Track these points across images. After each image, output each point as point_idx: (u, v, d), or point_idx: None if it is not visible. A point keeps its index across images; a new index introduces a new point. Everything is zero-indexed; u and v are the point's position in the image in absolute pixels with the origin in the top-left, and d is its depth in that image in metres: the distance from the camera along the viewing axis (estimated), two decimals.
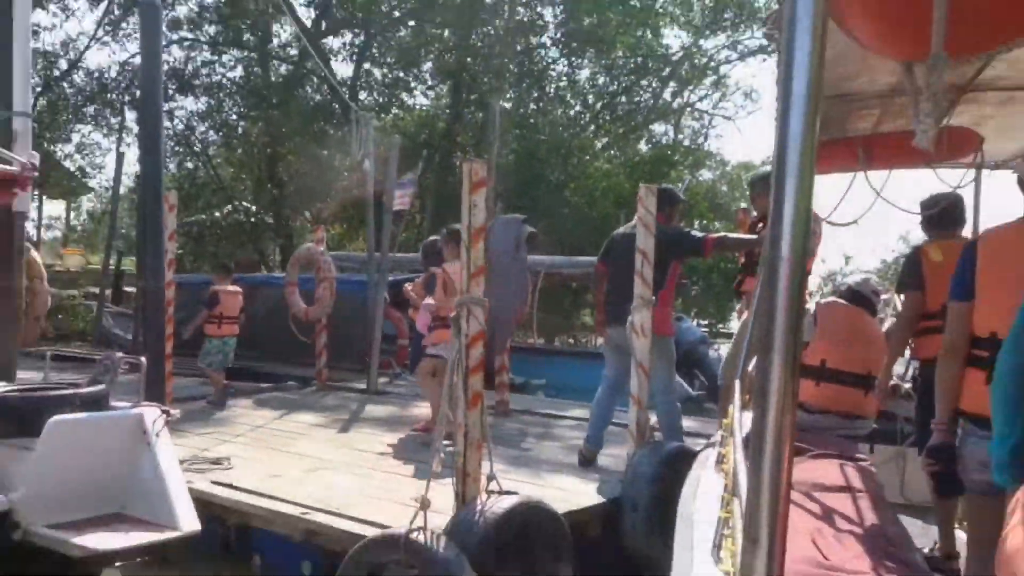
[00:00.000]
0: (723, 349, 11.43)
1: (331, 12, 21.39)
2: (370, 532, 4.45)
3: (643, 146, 23.59)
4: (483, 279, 4.58)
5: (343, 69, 22.30)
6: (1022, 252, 2.46)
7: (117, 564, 5.17)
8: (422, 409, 7.49)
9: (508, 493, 4.52)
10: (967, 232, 4.61)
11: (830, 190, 4.58)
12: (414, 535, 4.03)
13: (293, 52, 21.78)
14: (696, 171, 24.36)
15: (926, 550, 3.71)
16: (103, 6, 20.46)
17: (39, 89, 18.51)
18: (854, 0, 1.83)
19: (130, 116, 20.22)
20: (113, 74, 20.98)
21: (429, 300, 7.19)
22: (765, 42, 17.93)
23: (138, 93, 15.89)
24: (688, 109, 24.86)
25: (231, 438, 7.24)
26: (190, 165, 22.82)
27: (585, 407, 7.30)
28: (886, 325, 6.13)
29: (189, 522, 4.82)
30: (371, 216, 11.65)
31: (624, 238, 6.21)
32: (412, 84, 22.20)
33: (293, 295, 10.55)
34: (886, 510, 3.09)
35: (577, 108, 22.98)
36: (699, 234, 6.44)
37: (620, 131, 22.93)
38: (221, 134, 22.20)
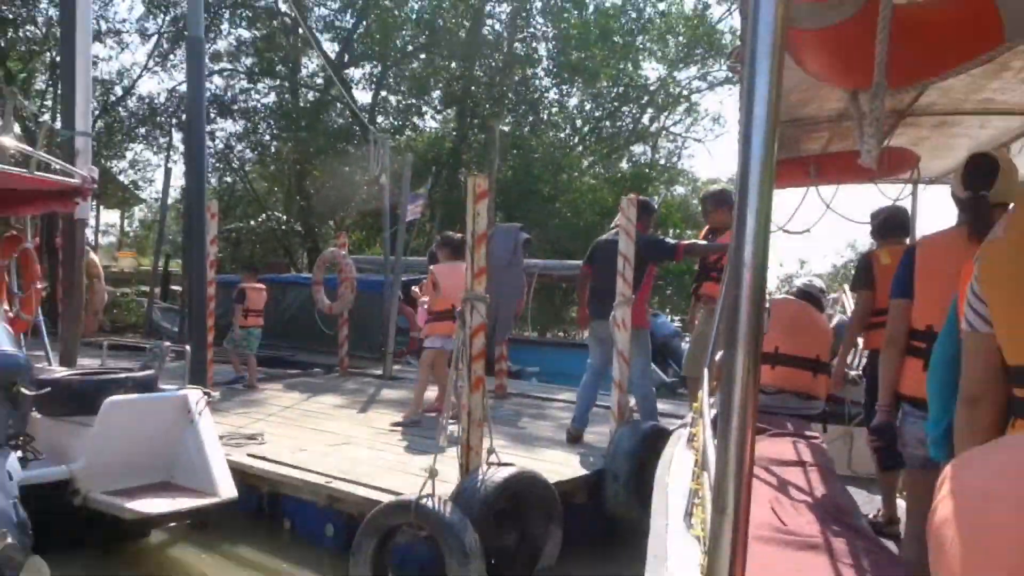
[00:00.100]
0: None
1: (352, 46, 21.34)
2: (385, 498, 4.45)
3: (624, 164, 23.52)
4: (485, 278, 4.58)
5: (363, 96, 22.27)
6: (953, 256, 2.46)
7: (165, 526, 5.19)
8: (430, 392, 7.48)
9: (506, 465, 4.53)
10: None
11: (786, 203, 4.59)
12: (424, 501, 4.04)
13: (319, 81, 21.72)
14: (671, 187, 24.30)
15: (871, 516, 3.71)
16: (153, 40, 20.42)
17: (97, 112, 18.44)
18: (807, 37, 1.82)
19: (177, 136, 20.17)
20: (162, 100, 20.92)
21: (425, 298, 7.16)
22: (730, 74, 17.91)
23: (184, 116, 15.86)
24: (664, 132, 24.80)
25: (264, 417, 7.23)
26: (229, 179, 22.77)
27: (572, 391, 7.30)
28: (835, 320, 6.16)
29: (227, 490, 4.82)
30: (387, 224, 11.65)
31: (607, 243, 6.20)
32: (423, 109, 22.16)
33: (319, 292, 10.53)
34: (836, 482, 3.09)
35: (567, 131, 22.94)
36: (672, 241, 6.50)
37: (604, 151, 22.90)
38: (256, 152, 22.15)
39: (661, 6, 21.87)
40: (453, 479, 4.42)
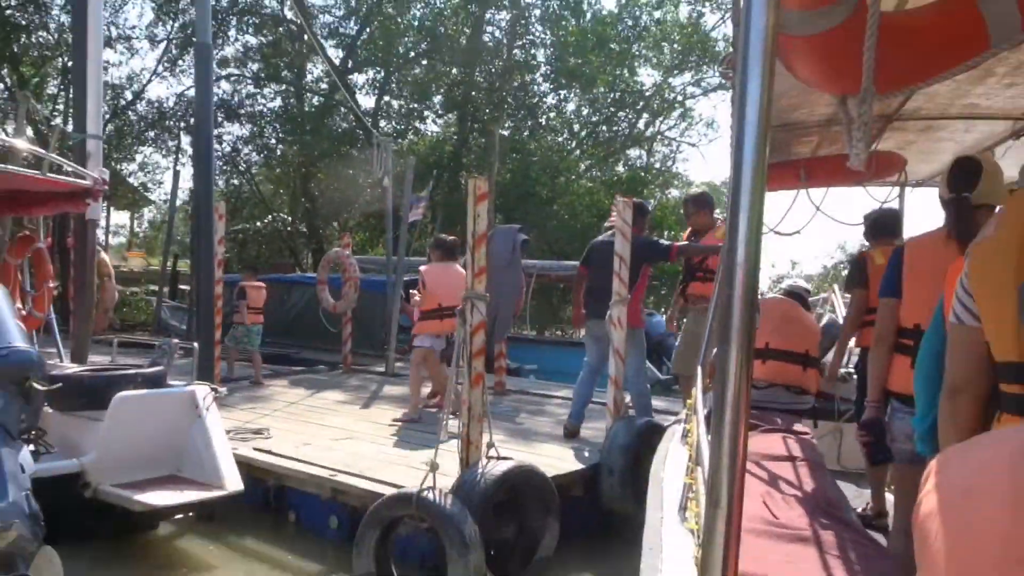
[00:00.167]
0: None
1: (356, 52, 21.31)
2: (388, 491, 4.45)
3: (620, 168, 23.48)
4: (485, 278, 4.58)
5: (366, 101, 22.25)
6: (940, 256, 2.46)
7: (173, 517, 5.19)
8: (429, 389, 7.47)
9: (504, 459, 4.53)
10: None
11: (778, 205, 4.59)
12: (425, 493, 4.03)
13: (324, 86, 21.69)
14: (665, 190, 24.27)
15: (860, 510, 3.71)
16: (163, 46, 20.39)
17: (108, 116, 18.40)
18: (797, 44, 1.82)
19: (185, 140, 20.16)
20: (171, 104, 20.90)
21: (417, 298, 7.14)
22: (723, 80, 17.91)
23: (192, 120, 15.83)
24: (659, 137, 24.76)
25: (270, 412, 7.23)
26: (236, 182, 22.72)
27: (569, 388, 7.30)
28: (824, 320, 6.17)
29: (234, 483, 4.82)
30: (390, 225, 11.64)
31: (602, 245, 6.21)
32: (425, 114, 22.15)
33: (323, 292, 10.53)
34: (826, 476, 3.08)
35: (564, 135, 22.92)
36: (666, 242, 6.49)
37: (601, 155, 22.87)
38: (262, 155, 22.12)
39: (657, 14, 21.87)
40: (453, 472, 4.42)
